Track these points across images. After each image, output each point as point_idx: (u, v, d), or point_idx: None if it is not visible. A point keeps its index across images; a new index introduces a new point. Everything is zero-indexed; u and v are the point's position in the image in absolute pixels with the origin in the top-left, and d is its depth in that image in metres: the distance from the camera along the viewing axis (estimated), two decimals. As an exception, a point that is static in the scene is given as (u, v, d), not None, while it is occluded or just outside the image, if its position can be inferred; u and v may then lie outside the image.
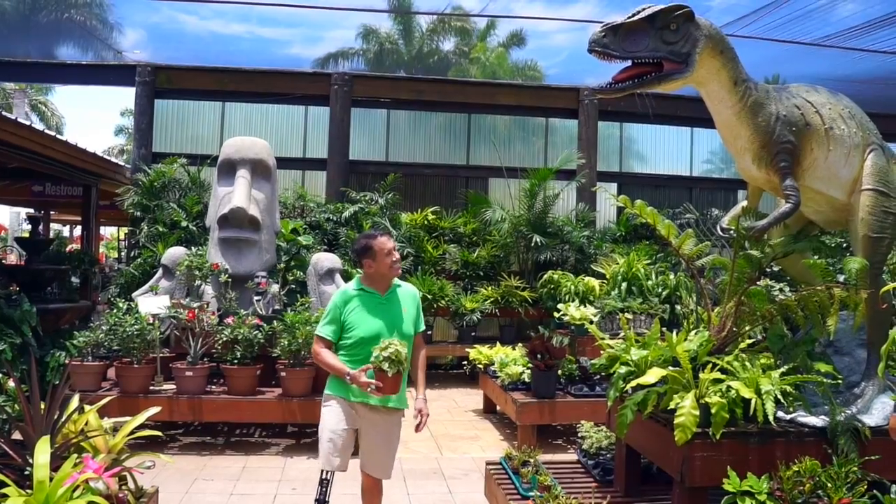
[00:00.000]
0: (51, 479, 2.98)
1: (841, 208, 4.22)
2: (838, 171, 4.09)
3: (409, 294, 4.11)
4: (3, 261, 16.89)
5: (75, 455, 3.34)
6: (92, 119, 73.01)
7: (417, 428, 3.99)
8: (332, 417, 3.92)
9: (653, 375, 3.70)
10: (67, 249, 12.74)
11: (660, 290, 9.05)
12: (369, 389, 3.66)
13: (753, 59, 4.11)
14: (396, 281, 4.10)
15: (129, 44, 11.91)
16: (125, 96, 65.57)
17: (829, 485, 3.20)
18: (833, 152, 4.06)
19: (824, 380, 3.65)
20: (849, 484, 3.23)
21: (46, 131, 9.94)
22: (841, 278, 4.08)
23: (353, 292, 3.97)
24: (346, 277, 9.49)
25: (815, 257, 4.37)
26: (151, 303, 7.07)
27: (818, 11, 9.11)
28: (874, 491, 3.30)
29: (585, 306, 8.59)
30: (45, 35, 12.12)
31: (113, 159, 14.45)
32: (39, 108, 31.14)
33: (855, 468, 3.33)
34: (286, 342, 6.46)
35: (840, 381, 3.84)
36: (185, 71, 11.90)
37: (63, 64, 12.38)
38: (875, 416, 3.74)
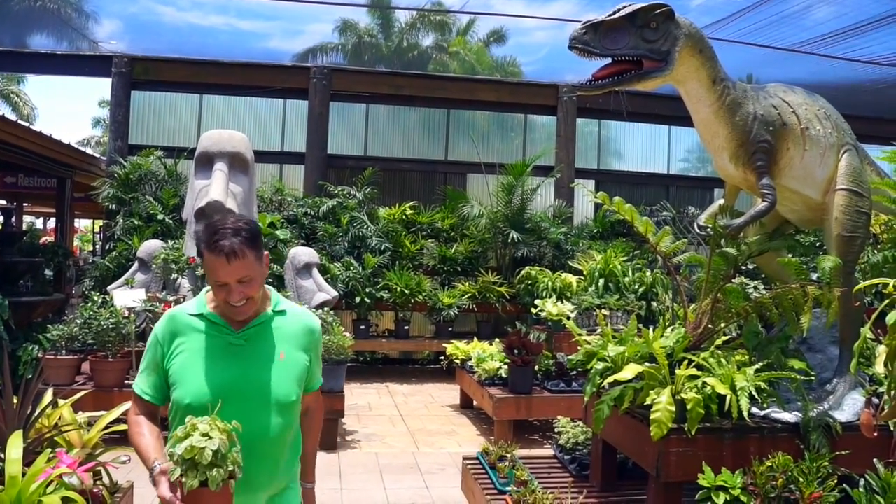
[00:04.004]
0: (24, 475, 2.94)
1: (816, 207, 4.28)
2: (814, 171, 4.15)
3: (298, 328, 2.40)
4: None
5: (49, 450, 3.30)
6: (67, 110, 72.22)
7: None
8: None
9: (629, 371, 3.73)
10: (41, 242, 12.60)
11: (636, 286, 9.12)
12: None
13: (729, 61, 4.14)
14: (279, 302, 2.42)
15: (105, 34, 11.73)
16: (102, 87, 64.94)
17: (801, 479, 3.25)
18: (809, 152, 4.11)
19: (797, 376, 3.71)
20: (820, 478, 3.29)
21: (19, 121, 9.79)
22: (815, 276, 4.13)
23: (186, 318, 2.32)
24: (324, 272, 9.48)
25: (790, 256, 4.43)
26: (127, 296, 7.00)
27: (793, 17, 9.20)
28: (844, 485, 3.36)
29: (562, 302, 8.64)
30: (18, 23, 11.90)
31: (89, 151, 14.26)
32: (11, 97, 30.66)
33: (826, 463, 3.39)
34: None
35: (813, 378, 3.91)
36: (163, 62, 11.76)
37: (36, 53, 12.17)
38: (846, 412, 3.80)
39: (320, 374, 2.55)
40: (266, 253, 2.33)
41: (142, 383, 2.33)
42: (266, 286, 2.40)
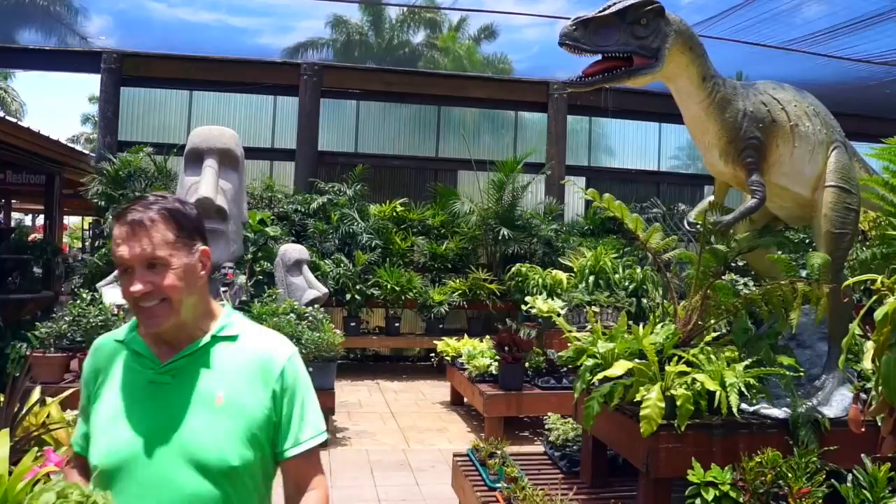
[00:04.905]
0: (10, 473, 2.92)
1: (805, 204, 4.28)
2: (803, 168, 4.16)
3: (252, 361, 1.72)
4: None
5: (36, 448, 3.28)
6: (56, 106, 71.84)
7: None
8: None
9: (619, 368, 3.73)
10: (30, 239, 12.50)
11: (627, 283, 9.13)
12: None
13: (719, 59, 4.14)
14: (230, 324, 1.76)
15: (94, 29, 11.67)
16: (91, 83, 64.57)
17: (790, 475, 3.26)
18: (798, 149, 4.12)
19: (787, 372, 3.71)
20: (808, 474, 3.30)
21: (7, 117, 9.73)
22: (804, 273, 4.14)
23: (111, 347, 1.78)
24: (314, 268, 9.46)
25: (780, 252, 4.43)
26: (116, 293, 6.96)
27: (783, 15, 9.24)
28: (832, 480, 3.37)
29: (553, 299, 8.59)
30: (6, 18, 11.81)
31: (79, 147, 14.18)
32: (-1, 93, 30.43)
33: (814, 458, 3.40)
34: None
35: (802, 374, 3.91)
36: (153, 58, 11.72)
37: (25, 49, 12.10)
38: (834, 407, 3.81)
39: (312, 429, 1.81)
40: (204, 248, 1.72)
41: (76, 430, 1.84)
42: (222, 305, 1.83)
